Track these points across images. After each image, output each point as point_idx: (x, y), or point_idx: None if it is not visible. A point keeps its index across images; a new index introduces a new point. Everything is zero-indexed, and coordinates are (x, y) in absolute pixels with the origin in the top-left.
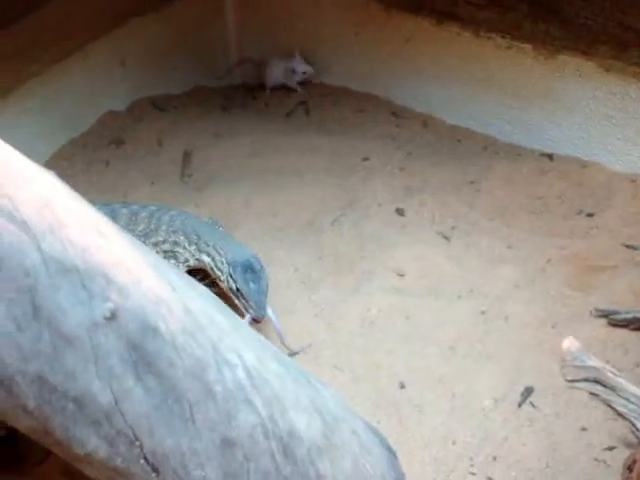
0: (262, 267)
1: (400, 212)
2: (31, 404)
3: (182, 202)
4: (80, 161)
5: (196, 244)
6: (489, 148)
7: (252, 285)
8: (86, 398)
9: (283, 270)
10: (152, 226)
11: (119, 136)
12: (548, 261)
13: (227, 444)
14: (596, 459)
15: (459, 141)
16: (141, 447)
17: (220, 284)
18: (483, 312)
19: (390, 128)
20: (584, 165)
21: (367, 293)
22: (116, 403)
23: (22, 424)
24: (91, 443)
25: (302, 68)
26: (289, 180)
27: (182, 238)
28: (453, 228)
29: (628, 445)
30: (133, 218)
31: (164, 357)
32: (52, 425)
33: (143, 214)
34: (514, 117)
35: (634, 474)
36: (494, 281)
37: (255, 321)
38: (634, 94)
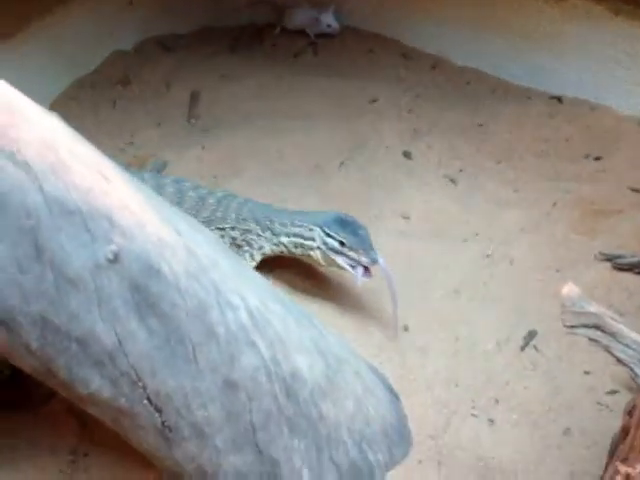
0: (355, 219)
1: (407, 155)
2: (34, 344)
3: (188, 144)
4: (87, 100)
5: (270, 229)
6: (498, 90)
7: (354, 235)
8: (89, 339)
9: None
10: (218, 214)
11: (126, 76)
12: (554, 205)
13: (230, 385)
14: (598, 403)
15: (468, 83)
16: (144, 387)
17: (312, 257)
18: (488, 255)
19: (399, 70)
20: (593, 108)
21: (374, 236)
22: (119, 344)
23: (26, 364)
24: (94, 383)
25: (329, 21)
26: (296, 123)
27: (253, 225)
28: (460, 171)
29: (630, 390)
30: (200, 203)
31: (167, 299)
32: (56, 365)
33: (210, 200)
34: (524, 60)
35: (634, 419)
36: (500, 225)
37: (367, 271)
38: None
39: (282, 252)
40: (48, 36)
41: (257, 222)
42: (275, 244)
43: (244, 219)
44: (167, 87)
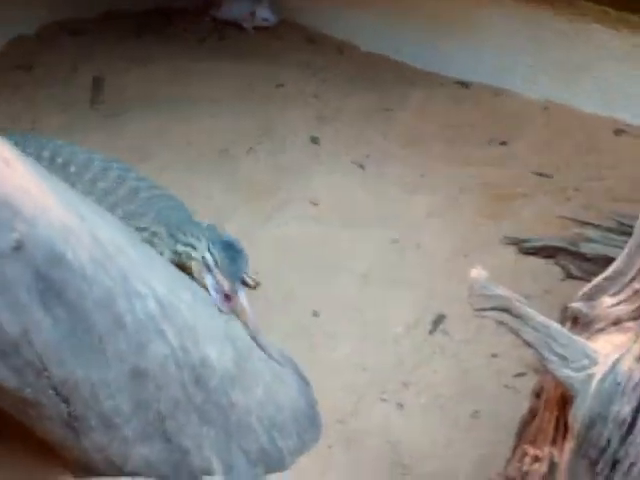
0: (242, 249)
1: (315, 141)
2: None
3: (93, 130)
4: None
5: (173, 236)
6: (404, 76)
7: (231, 260)
8: None
9: (198, 200)
10: (140, 210)
11: (28, 61)
12: (461, 190)
13: (138, 374)
14: (506, 385)
15: (374, 69)
16: (50, 377)
17: (193, 268)
18: (396, 241)
19: (305, 55)
20: (498, 93)
21: (281, 222)
22: (24, 333)
23: None
24: None
25: (265, 15)
26: (204, 108)
27: (163, 229)
28: (367, 157)
29: (537, 372)
30: (133, 194)
31: (73, 287)
32: None
33: (142, 194)
34: (430, 45)
35: (541, 401)
36: (407, 210)
37: (228, 299)
38: (546, 21)
39: (177, 262)
40: None
41: (167, 227)
42: (173, 252)
43: (159, 222)
44: (71, 72)
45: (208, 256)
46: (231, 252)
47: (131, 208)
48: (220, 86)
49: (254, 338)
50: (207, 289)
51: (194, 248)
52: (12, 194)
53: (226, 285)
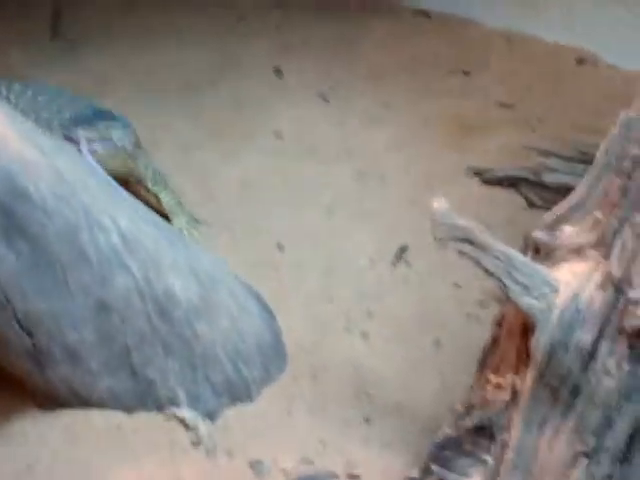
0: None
1: (278, 73)
2: None
3: (53, 64)
4: None
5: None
6: (367, 5)
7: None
8: None
9: (161, 133)
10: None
11: None
12: (425, 121)
13: (102, 307)
14: (468, 314)
15: None
16: (14, 311)
17: None
18: (360, 173)
19: None
20: (461, 22)
21: (246, 156)
22: None
23: None
24: None
25: None
26: (165, 40)
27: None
28: (331, 89)
29: (499, 301)
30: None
31: (35, 221)
32: None
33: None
34: None
35: (503, 330)
36: (371, 142)
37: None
38: None
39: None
40: None
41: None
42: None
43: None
44: (27, 5)
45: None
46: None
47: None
48: (181, 17)
49: None
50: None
51: None
52: None
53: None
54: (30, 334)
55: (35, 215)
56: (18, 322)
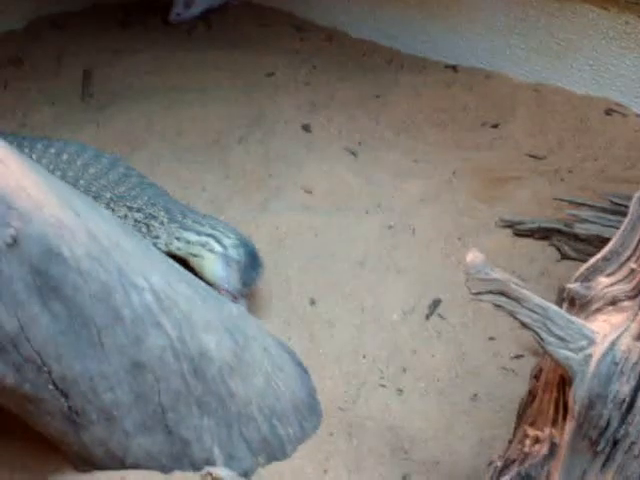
0: (262, 264)
1: (306, 128)
2: None
3: (83, 123)
4: None
5: (179, 222)
6: (394, 61)
7: (251, 267)
8: None
9: (191, 191)
10: (133, 192)
11: (17, 56)
12: (454, 173)
13: (137, 367)
14: (504, 368)
15: (364, 55)
16: (49, 373)
17: (203, 262)
18: (391, 227)
19: (294, 42)
20: (488, 76)
21: (275, 211)
22: (22, 330)
23: None
24: None
25: None
26: (193, 98)
27: (162, 213)
28: (360, 143)
29: (535, 354)
30: (123, 179)
31: (69, 282)
32: None
33: (134, 179)
34: (418, 29)
35: (540, 382)
36: (401, 195)
37: (233, 298)
38: (535, 2)
39: (177, 250)
40: None
41: (167, 211)
42: (177, 238)
43: (154, 204)
44: (59, 65)
45: (233, 253)
46: (252, 260)
47: (121, 190)
48: (209, 76)
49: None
50: (212, 282)
51: (218, 241)
52: (7, 190)
53: (238, 286)
54: (65, 395)
55: (69, 276)
56: (53, 383)
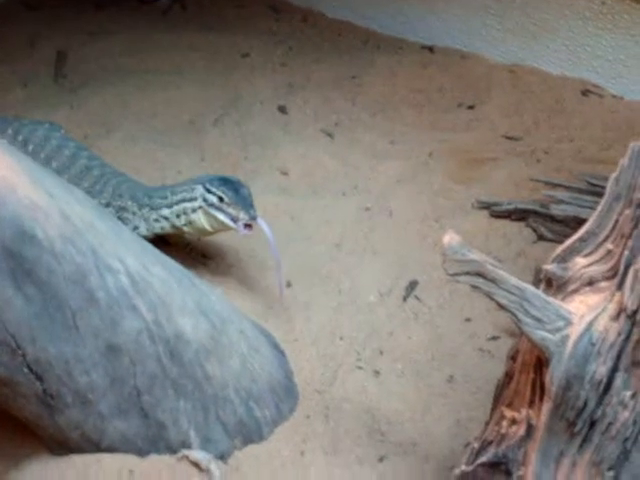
0: (238, 179)
1: (282, 110)
2: None
3: (56, 104)
4: None
5: (148, 205)
6: (370, 42)
7: (234, 192)
8: None
9: (166, 172)
10: (97, 187)
11: None
12: (430, 155)
13: (112, 350)
14: (481, 349)
15: (340, 35)
16: (24, 355)
17: (195, 223)
18: (367, 208)
19: (270, 23)
20: (464, 57)
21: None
22: None
23: None
24: None
25: None
26: (168, 79)
27: (130, 202)
28: (336, 125)
29: (511, 335)
30: (85, 172)
31: (43, 264)
32: None
33: (95, 172)
34: (394, 10)
35: (517, 364)
36: (377, 177)
37: (248, 227)
38: None
39: (161, 230)
40: None
41: (134, 199)
42: (155, 220)
43: (120, 195)
44: (32, 47)
45: (209, 196)
46: (230, 185)
47: (85, 186)
48: (184, 57)
49: (277, 262)
50: (224, 225)
51: (191, 200)
52: None
53: (242, 213)
54: (40, 379)
55: (43, 258)
56: (28, 367)
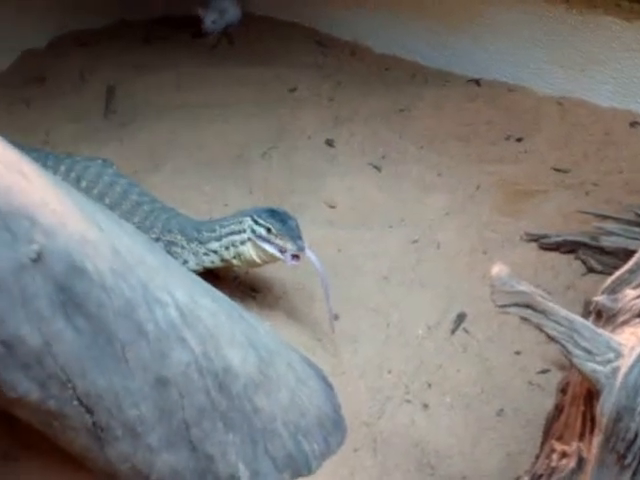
0: (285, 210)
1: (330, 143)
2: None
3: (106, 139)
4: (0, 102)
5: (197, 239)
6: (417, 75)
7: (282, 223)
8: (15, 341)
9: (213, 205)
10: (147, 222)
11: (40, 74)
12: (478, 187)
13: (161, 383)
14: (530, 382)
15: (387, 69)
16: (74, 389)
17: (244, 255)
18: (415, 241)
19: (317, 57)
20: (511, 89)
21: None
22: (46, 345)
23: None
24: (22, 386)
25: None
26: (216, 113)
27: (179, 237)
28: (383, 157)
29: (561, 368)
30: (136, 207)
31: (93, 298)
32: None
33: (145, 207)
34: (441, 43)
35: (567, 396)
36: (425, 209)
37: (296, 258)
38: (559, 16)
39: (211, 263)
40: None
41: (183, 233)
42: (204, 254)
43: (169, 230)
44: (82, 82)
45: (257, 228)
46: (277, 216)
47: (135, 221)
48: (232, 91)
49: (326, 293)
50: (273, 257)
51: (239, 232)
52: (30, 206)
53: (289, 244)
54: (90, 411)
55: (94, 292)
56: (78, 399)
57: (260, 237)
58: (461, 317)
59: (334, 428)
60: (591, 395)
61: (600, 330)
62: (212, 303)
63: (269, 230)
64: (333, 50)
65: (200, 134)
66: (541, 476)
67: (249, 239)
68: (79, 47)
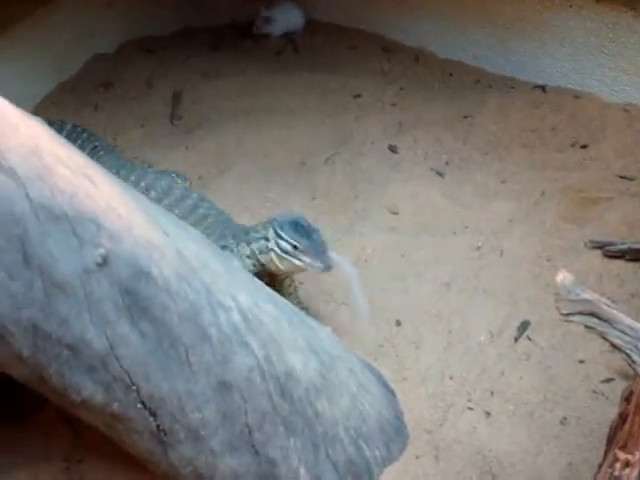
0: (308, 223)
1: (393, 149)
2: (26, 352)
3: (172, 145)
4: (69, 105)
5: (244, 241)
6: (481, 81)
7: (307, 239)
8: (81, 345)
9: (277, 211)
10: (207, 232)
11: (108, 79)
12: (542, 194)
13: (224, 386)
14: (594, 391)
15: (451, 75)
16: (137, 392)
17: (273, 260)
18: (478, 247)
19: (381, 63)
20: (577, 96)
21: (362, 232)
22: (111, 349)
23: (18, 372)
24: (87, 389)
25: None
26: (280, 119)
27: (232, 241)
28: (447, 164)
29: (625, 377)
30: (201, 220)
31: (158, 302)
32: (47, 372)
33: (210, 220)
34: (506, 49)
35: (631, 405)
36: (488, 216)
37: (328, 269)
38: (625, 23)
39: (256, 265)
40: (28, 40)
41: (234, 237)
42: (247, 256)
43: (224, 236)
44: (149, 88)
45: (282, 243)
46: (302, 229)
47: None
48: (297, 97)
49: (357, 303)
50: (301, 268)
51: (267, 239)
52: (97, 211)
53: (318, 263)
54: (154, 415)
55: (159, 296)
56: (142, 402)
57: (287, 253)
58: (525, 325)
59: (396, 434)
60: None
61: None
62: (274, 308)
63: (295, 247)
64: (398, 56)
65: (265, 140)
66: None
67: (273, 250)
68: (146, 53)
